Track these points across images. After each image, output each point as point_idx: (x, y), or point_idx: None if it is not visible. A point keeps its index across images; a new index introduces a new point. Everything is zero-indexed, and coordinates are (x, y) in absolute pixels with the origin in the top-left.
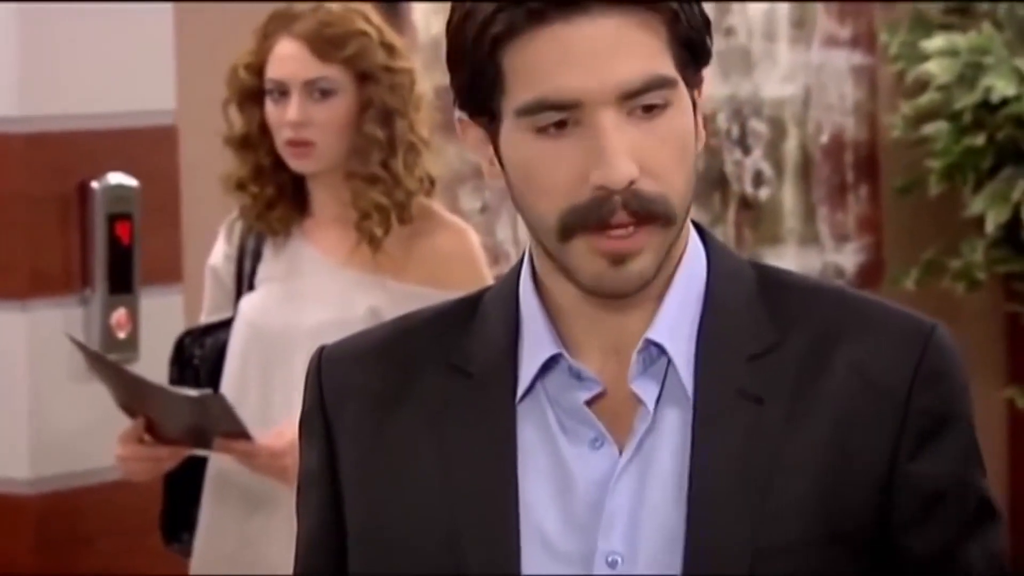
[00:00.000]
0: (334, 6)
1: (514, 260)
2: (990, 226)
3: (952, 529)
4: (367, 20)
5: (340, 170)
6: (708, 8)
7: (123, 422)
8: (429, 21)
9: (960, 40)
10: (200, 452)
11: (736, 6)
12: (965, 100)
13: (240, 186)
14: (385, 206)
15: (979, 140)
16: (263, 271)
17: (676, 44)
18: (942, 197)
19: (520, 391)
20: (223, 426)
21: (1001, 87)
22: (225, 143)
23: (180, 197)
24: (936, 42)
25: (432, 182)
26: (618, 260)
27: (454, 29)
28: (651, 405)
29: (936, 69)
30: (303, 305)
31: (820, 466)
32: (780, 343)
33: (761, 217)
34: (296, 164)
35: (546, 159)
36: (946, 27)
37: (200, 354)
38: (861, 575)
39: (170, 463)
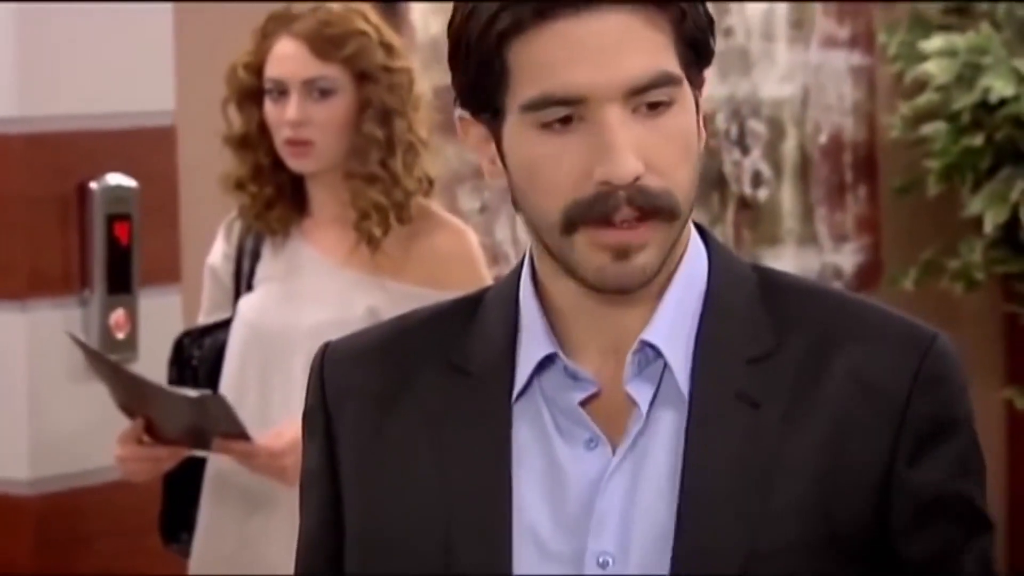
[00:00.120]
0: (333, 6)
1: (513, 260)
2: (989, 226)
3: (946, 537)
4: (366, 20)
5: (339, 170)
6: None
7: (122, 422)
8: (427, 21)
9: (959, 40)
10: (199, 452)
11: (734, 6)
12: (964, 100)
13: (239, 186)
14: (384, 206)
15: (977, 140)
16: (262, 271)
17: (681, 43)
18: (940, 197)
19: (516, 391)
20: (222, 427)
21: (1000, 87)
22: (224, 143)
23: (179, 197)
24: (935, 42)
25: (430, 182)
26: (622, 254)
27: (457, 27)
28: (644, 407)
29: (935, 69)
30: (302, 305)
31: (816, 470)
32: (779, 347)
33: (759, 217)
34: (295, 163)
35: (550, 155)
36: (945, 27)
37: (199, 354)
38: None
39: (169, 463)
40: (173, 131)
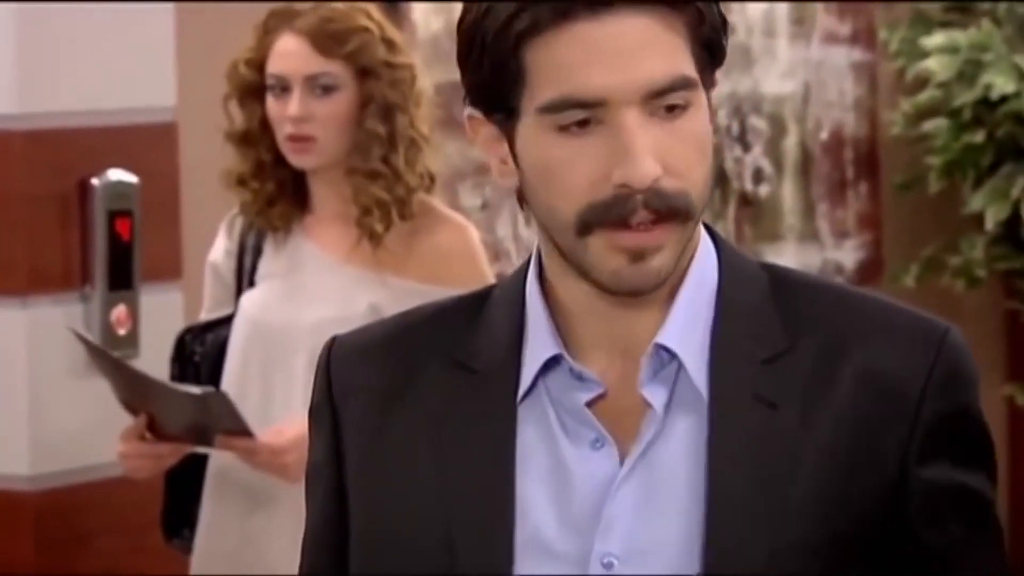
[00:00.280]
0: (335, 3)
1: (514, 257)
2: (990, 223)
3: (959, 530)
4: (368, 16)
5: (341, 166)
6: None
7: (123, 419)
8: (428, 19)
9: (960, 37)
10: (201, 449)
11: (736, 4)
12: (965, 97)
13: (241, 182)
14: (386, 202)
15: (979, 137)
16: (264, 267)
17: (697, 45)
18: (942, 194)
19: (521, 391)
20: (224, 424)
21: (1001, 84)
22: (226, 139)
23: (180, 194)
24: (936, 39)
25: (432, 178)
26: (638, 256)
27: (470, 26)
28: (660, 410)
29: (936, 66)
30: (304, 302)
31: (834, 468)
32: (793, 346)
33: (761, 214)
34: (297, 160)
35: (568, 157)
36: (946, 24)
37: (201, 351)
38: None
39: (171, 460)
40: (174, 127)
